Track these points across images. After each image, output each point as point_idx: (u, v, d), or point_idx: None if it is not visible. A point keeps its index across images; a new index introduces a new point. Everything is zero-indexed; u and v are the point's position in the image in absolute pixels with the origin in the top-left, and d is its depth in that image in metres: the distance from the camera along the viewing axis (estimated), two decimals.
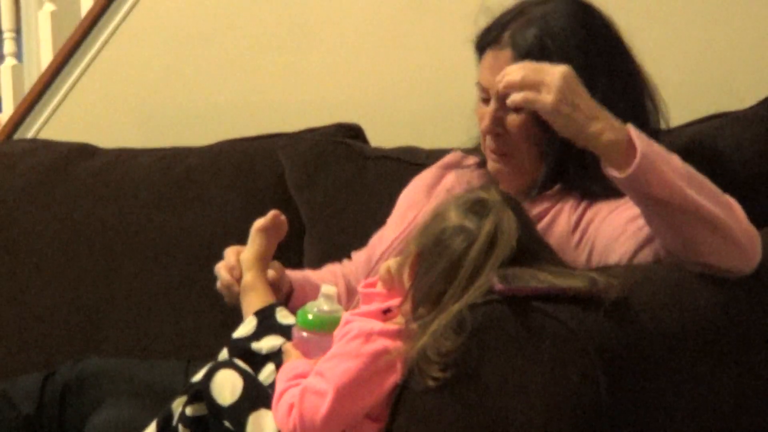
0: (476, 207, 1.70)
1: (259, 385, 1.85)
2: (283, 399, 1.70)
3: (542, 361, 1.51)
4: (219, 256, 2.55)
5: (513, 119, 1.95)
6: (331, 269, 2.28)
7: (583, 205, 1.94)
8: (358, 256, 2.27)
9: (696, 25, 2.50)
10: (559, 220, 1.94)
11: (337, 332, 1.72)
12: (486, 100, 1.99)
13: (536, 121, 1.89)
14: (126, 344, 2.58)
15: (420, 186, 2.19)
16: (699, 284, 1.72)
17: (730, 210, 1.74)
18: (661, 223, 1.75)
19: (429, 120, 2.76)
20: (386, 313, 1.72)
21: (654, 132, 1.94)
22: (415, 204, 2.16)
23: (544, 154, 1.97)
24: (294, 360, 1.80)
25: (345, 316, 1.75)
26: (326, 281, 2.16)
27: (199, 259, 2.58)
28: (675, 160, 1.74)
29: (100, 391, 2.16)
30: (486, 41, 2.00)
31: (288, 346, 1.85)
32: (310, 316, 1.82)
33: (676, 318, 1.65)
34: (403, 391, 1.61)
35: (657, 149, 1.72)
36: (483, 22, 2.02)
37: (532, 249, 1.68)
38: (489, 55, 1.99)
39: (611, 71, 1.94)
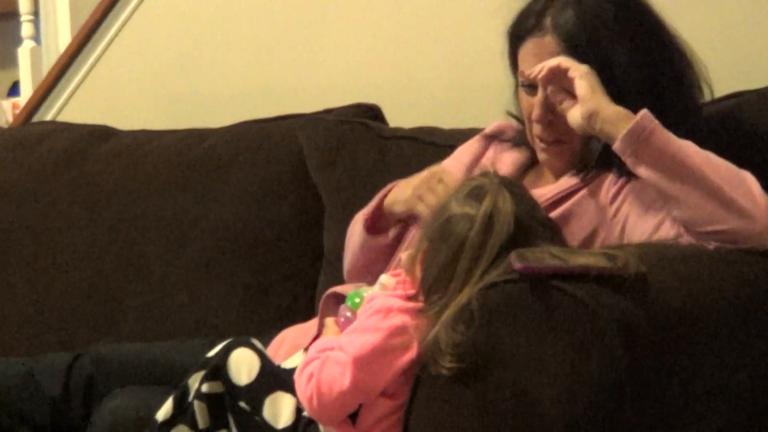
0: (474, 192, 1.73)
1: (275, 366, 1.86)
2: (305, 369, 1.73)
3: (562, 339, 1.52)
4: (238, 237, 2.57)
5: (565, 105, 1.94)
6: None
7: (622, 180, 1.94)
8: None
9: (713, 5, 2.49)
10: (599, 191, 1.95)
11: (361, 309, 1.75)
12: (530, 89, 1.99)
13: None
14: (146, 325, 2.59)
15: (464, 155, 2.19)
16: (722, 261, 1.73)
17: (739, 184, 1.77)
18: (665, 193, 1.79)
19: (448, 100, 2.76)
20: (411, 299, 1.74)
21: (691, 107, 1.98)
22: (457, 171, 2.13)
23: (585, 141, 1.97)
24: (328, 336, 1.82)
25: (370, 294, 1.78)
26: None
27: (219, 240, 2.59)
28: (677, 140, 1.80)
29: (128, 378, 2.18)
30: (524, 30, 1.98)
31: (329, 321, 1.88)
32: (357, 299, 1.84)
33: (698, 295, 1.65)
34: (422, 372, 1.61)
35: (660, 128, 1.80)
36: (508, 11, 2.01)
37: (532, 228, 1.70)
38: (531, 44, 1.97)
39: (648, 44, 1.95)
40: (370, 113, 2.60)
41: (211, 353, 1.86)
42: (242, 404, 1.80)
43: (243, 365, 1.82)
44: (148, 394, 1.99)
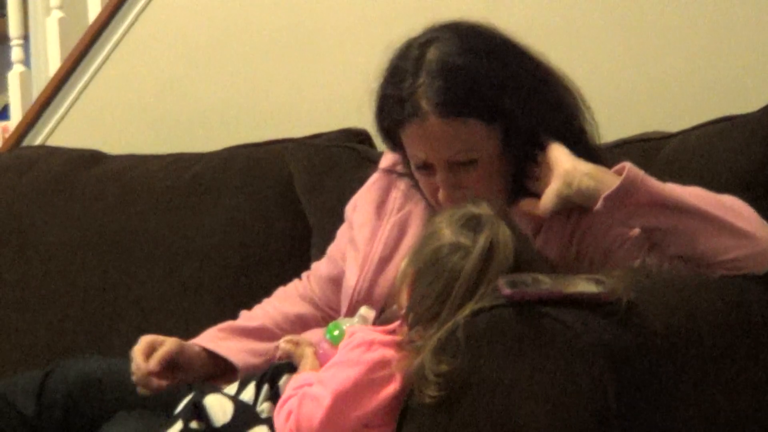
0: (470, 223, 1.69)
1: (247, 405, 1.85)
2: (284, 406, 1.71)
3: (550, 365, 1.51)
4: (227, 261, 2.57)
5: (470, 177, 1.89)
6: (288, 297, 2.26)
7: (573, 218, 1.91)
8: (319, 268, 2.25)
9: (702, 29, 2.50)
10: (552, 235, 1.91)
11: (342, 343, 1.73)
12: (427, 170, 1.92)
13: (489, 161, 1.89)
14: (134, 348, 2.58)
15: (368, 203, 2.12)
16: (709, 286, 1.73)
17: (732, 209, 1.77)
18: (665, 234, 1.77)
19: None
20: (392, 333, 1.72)
21: (577, 128, 1.94)
22: (367, 222, 2.10)
23: (505, 182, 1.94)
24: (306, 372, 1.80)
25: (350, 328, 1.76)
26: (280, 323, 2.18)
27: (208, 264, 2.59)
28: (661, 183, 1.78)
29: (106, 395, 2.15)
30: (400, 118, 1.89)
31: (309, 352, 1.85)
32: (336, 332, 1.83)
33: (687, 320, 1.65)
34: (408, 401, 1.60)
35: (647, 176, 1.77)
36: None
37: (529, 261, 1.68)
38: (414, 129, 1.88)
39: (526, 78, 1.90)
40: (359, 137, 2.61)
41: (181, 406, 1.82)
42: None
43: (217, 408, 1.80)
44: (150, 421, 1.97)
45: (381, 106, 1.94)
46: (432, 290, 1.66)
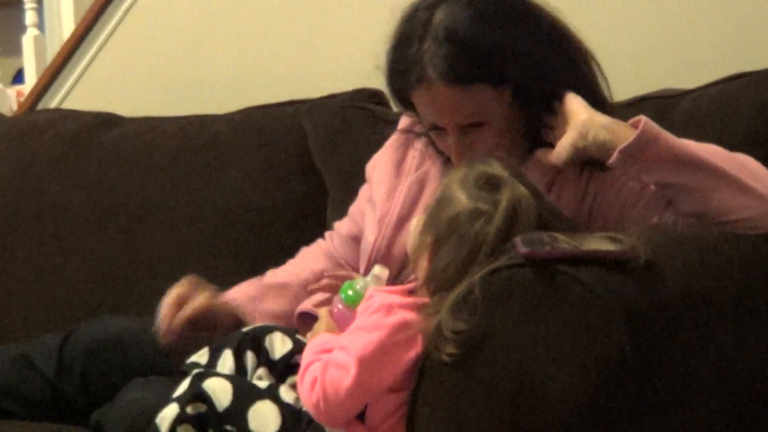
0: (487, 185, 1.67)
1: (244, 381, 1.85)
2: (307, 374, 1.70)
3: (567, 324, 1.51)
4: (243, 223, 2.57)
5: (482, 137, 1.90)
6: (313, 255, 2.27)
7: (584, 175, 1.92)
8: (340, 227, 2.26)
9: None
10: (564, 193, 1.92)
11: (360, 307, 1.71)
12: (439, 131, 1.93)
13: (501, 120, 1.89)
14: (150, 311, 2.58)
15: (387, 163, 2.13)
16: (727, 243, 1.72)
17: (747, 168, 1.76)
18: (679, 190, 1.77)
19: None
20: (410, 294, 1.71)
21: (599, 98, 1.92)
22: (385, 181, 2.11)
23: (520, 136, 1.94)
24: (323, 334, 1.80)
25: (368, 291, 1.74)
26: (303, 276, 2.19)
27: (224, 225, 2.60)
28: (678, 139, 1.77)
29: (123, 355, 2.18)
30: (408, 84, 1.89)
31: (323, 312, 1.86)
32: (350, 292, 1.82)
33: (704, 278, 1.64)
34: (426, 360, 1.60)
35: (663, 131, 1.76)
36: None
37: (549, 220, 1.67)
38: (422, 94, 1.88)
39: (538, 45, 1.88)
40: (373, 98, 2.60)
41: (180, 390, 1.82)
42: (228, 428, 1.78)
43: (218, 391, 1.79)
44: (166, 388, 1.99)
45: (390, 70, 1.94)
46: (457, 258, 1.63)
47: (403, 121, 2.16)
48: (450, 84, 1.84)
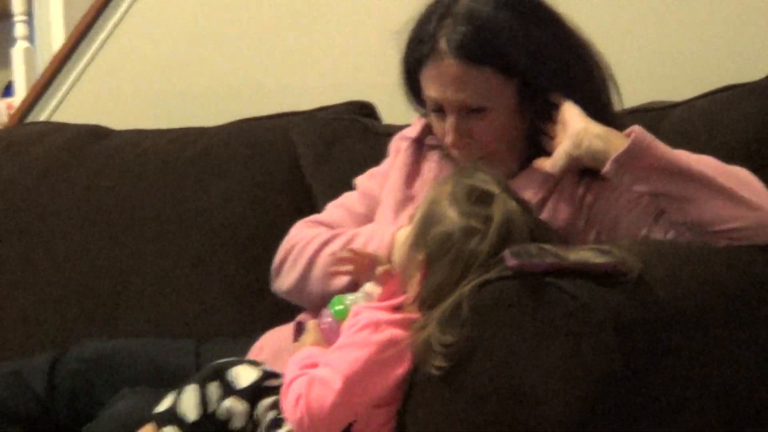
0: (478, 201, 1.67)
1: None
2: (291, 389, 1.69)
3: (555, 336, 1.51)
4: (233, 236, 2.56)
5: (480, 125, 1.92)
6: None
7: (581, 187, 1.93)
8: (352, 206, 2.20)
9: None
10: (563, 200, 1.93)
11: (346, 324, 1.70)
12: (440, 113, 1.95)
13: (502, 113, 1.90)
14: (141, 325, 2.59)
15: (398, 172, 2.11)
16: (717, 255, 1.72)
17: (739, 179, 1.77)
18: (671, 200, 1.77)
19: None
20: (397, 310, 1.70)
21: (605, 101, 1.95)
22: (397, 190, 2.09)
23: (519, 139, 1.96)
24: (307, 347, 1.79)
25: (354, 308, 1.73)
26: None
27: (214, 239, 2.59)
28: (669, 148, 1.78)
29: (112, 375, 2.17)
30: (421, 56, 1.93)
31: (312, 324, 1.84)
32: (340, 306, 1.81)
33: (693, 290, 1.65)
34: (415, 374, 1.60)
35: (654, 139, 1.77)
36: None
37: (540, 236, 1.67)
38: (430, 69, 1.92)
39: (552, 43, 1.92)
40: (364, 110, 2.61)
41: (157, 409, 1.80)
42: None
43: (242, 376, 1.79)
44: (154, 397, 1.98)
45: (406, 48, 1.98)
46: (451, 277, 1.63)
47: (413, 129, 2.14)
48: (460, 59, 1.88)
